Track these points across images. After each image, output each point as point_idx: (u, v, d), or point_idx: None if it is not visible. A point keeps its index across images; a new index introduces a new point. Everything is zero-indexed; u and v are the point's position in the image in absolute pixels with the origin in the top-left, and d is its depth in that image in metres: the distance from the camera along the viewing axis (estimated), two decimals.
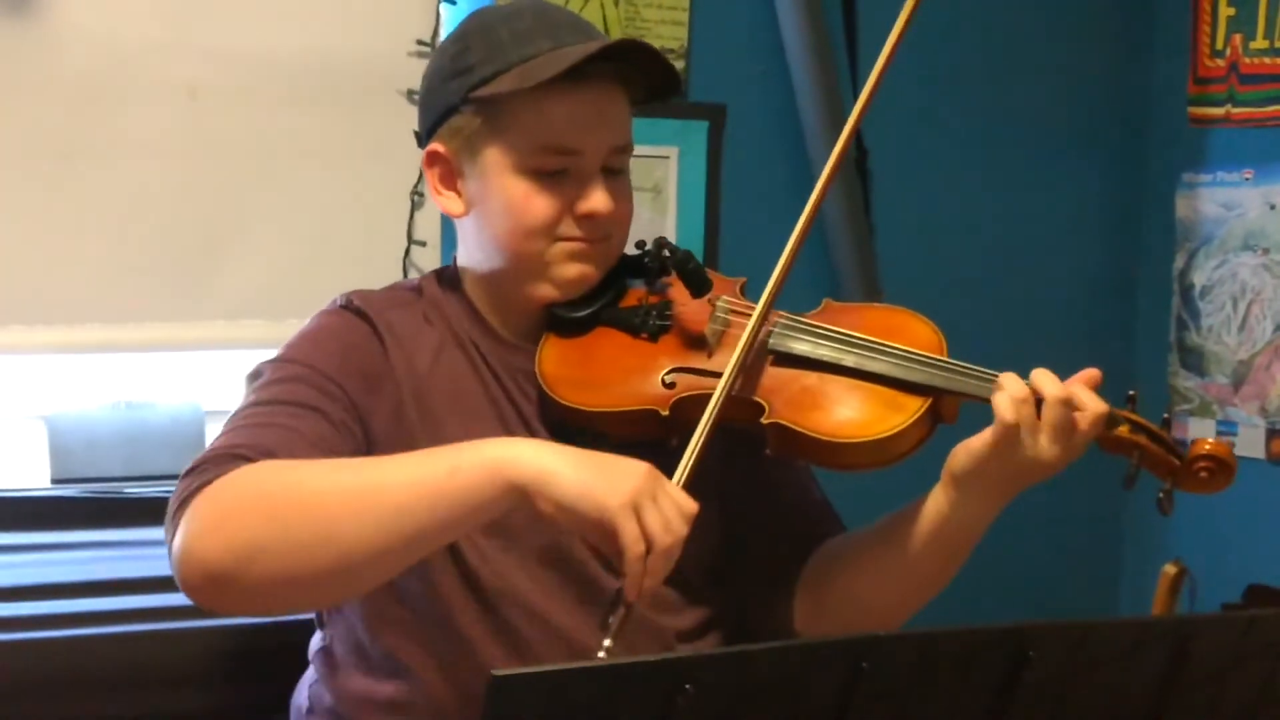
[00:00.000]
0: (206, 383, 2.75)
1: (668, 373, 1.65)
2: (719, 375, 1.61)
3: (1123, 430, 1.60)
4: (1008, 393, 1.55)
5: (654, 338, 1.69)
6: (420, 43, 2.81)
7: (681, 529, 1.43)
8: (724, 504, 1.73)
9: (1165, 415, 1.64)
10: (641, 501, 1.41)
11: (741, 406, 1.61)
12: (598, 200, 1.64)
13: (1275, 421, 3.32)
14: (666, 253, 1.69)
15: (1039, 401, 1.55)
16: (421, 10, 2.82)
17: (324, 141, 2.76)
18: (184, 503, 1.45)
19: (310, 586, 1.44)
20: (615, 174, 1.68)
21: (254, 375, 1.66)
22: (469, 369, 1.69)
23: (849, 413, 1.61)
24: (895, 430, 1.59)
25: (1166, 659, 1.30)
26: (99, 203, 2.61)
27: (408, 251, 2.83)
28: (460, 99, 1.64)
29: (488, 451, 1.43)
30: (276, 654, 1.91)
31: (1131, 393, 1.63)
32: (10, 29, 2.53)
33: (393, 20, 2.80)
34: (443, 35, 2.83)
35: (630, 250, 1.74)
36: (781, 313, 1.69)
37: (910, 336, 1.66)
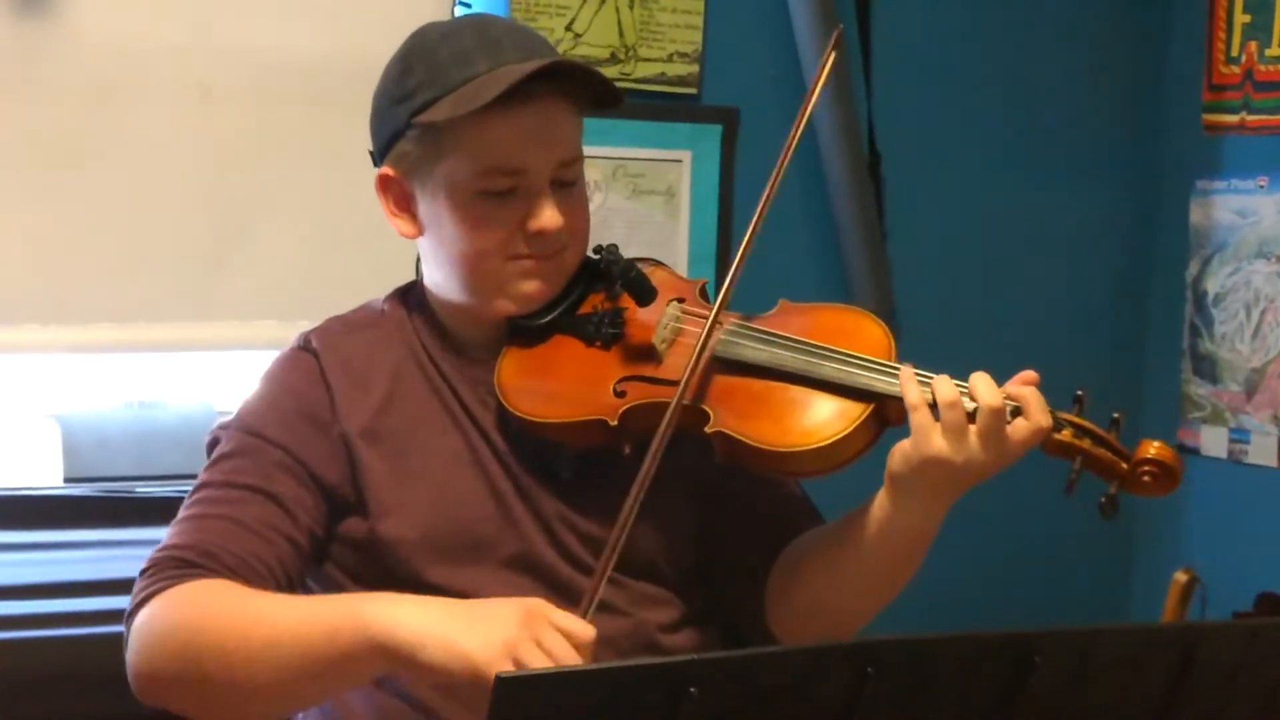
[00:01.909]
0: (218, 383, 2.76)
1: (619, 381, 1.64)
2: (668, 383, 1.60)
3: (1065, 434, 1.57)
4: (937, 393, 1.52)
5: (607, 346, 1.68)
6: (392, 59, 2.81)
7: (574, 661, 1.40)
8: (699, 499, 1.74)
9: (1115, 415, 1.60)
10: (519, 650, 1.39)
11: (688, 414, 1.59)
12: (547, 218, 1.63)
13: None
14: (612, 261, 1.68)
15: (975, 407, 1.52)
16: (435, 13, 2.81)
17: (336, 141, 2.76)
18: (134, 610, 1.57)
19: (233, 711, 1.55)
20: (567, 186, 1.67)
21: (211, 443, 1.71)
22: (428, 389, 1.70)
23: (792, 421, 1.59)
24: (838, 437, 1.56)
25: (1173, 666, 1.29)
26: (112, 202, 2.62)
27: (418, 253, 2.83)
28: (404, 124, 1.65)
29: (363, 615, 1.45)
30: None
31: (1079, 392, 1.60)
32: (24, 29, 2.53)
33: (406, 20, 2.78)
34: None
35: (591, 254, 1.74)
36: (733, 316, 1.67)
37: (860, 337, 1.63)
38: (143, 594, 1.56)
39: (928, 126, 3.37)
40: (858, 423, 1.56)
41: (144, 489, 2.48)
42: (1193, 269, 3.52)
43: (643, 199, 3.02)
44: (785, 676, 1.18)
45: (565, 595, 1.63)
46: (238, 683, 1.49)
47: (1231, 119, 3.42)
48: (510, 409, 1.64)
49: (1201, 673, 1.30)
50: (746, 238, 1.68)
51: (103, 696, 2.03)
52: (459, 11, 2.83)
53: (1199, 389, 3.50)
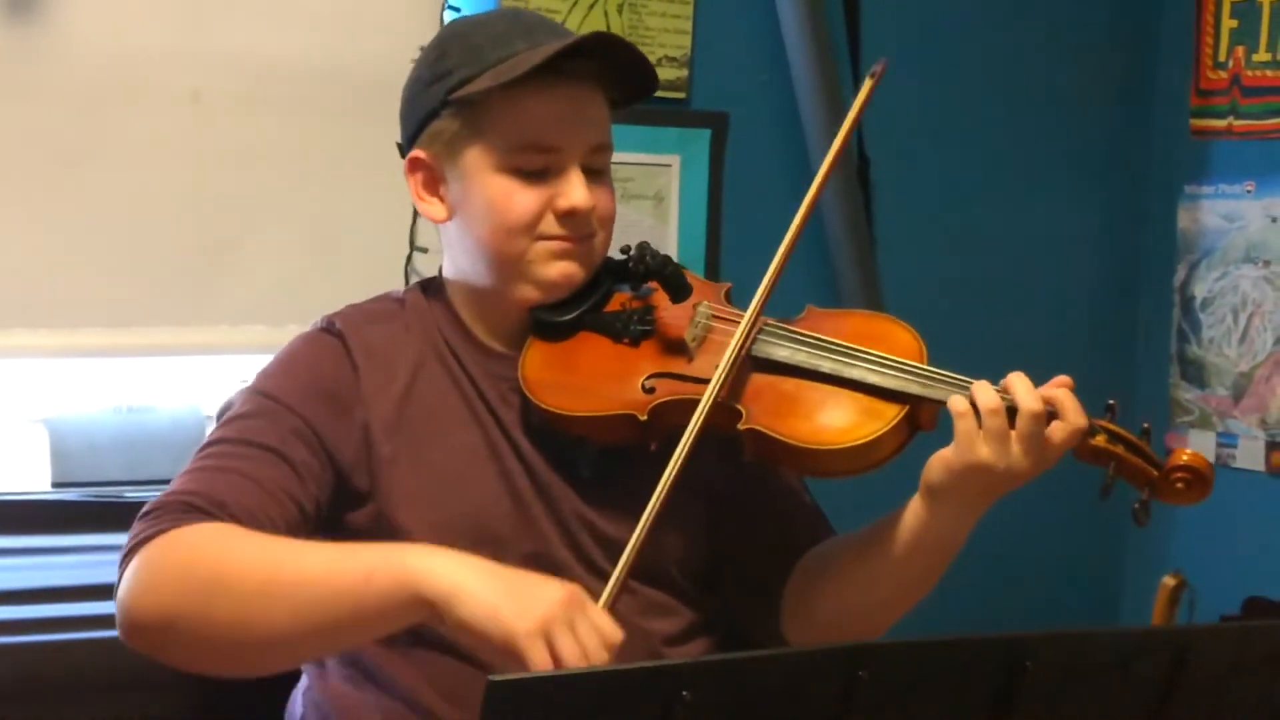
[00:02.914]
0: (208, 387, 2.75)
1: (648, 378, 1.66)
2: (698, 380, 1.61)
3: (1100, 440, 1.59)
4: (978, 400, 1.53)
5: (635, 343, 1.69)
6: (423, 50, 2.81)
7: (600, 658, 1.40)
8: (713, 509, 1.74)
9: (1144, 425, 1.62)
10: (554, 629, 1.39)
11: (720, 412, 1.61)
12: (577, 195, 1.64)
13: (1275, 434, 3.32)
14: (648, 258, 1.69)
15: (1012, 410, 1.53)
16: (425, 18, 2.82)
17: (327, 148, 2.77)
18: (132, 550, 1.51)
19: (224, 658, 1.50)
20: (596, 173, 1.68)
21: (226, 405, 1.70)
22: (449, 381, 1.70)
23: (825, 419, 1.60)
24: (871, 437, 1.58)
25: (1164, 670, 1.30)
26: (102, 207, 2.62)
27: (409, 258, 2.83)
28: (439, 103, 1.66)
29: (405, 560, 1.43)
30: None
31: (1111, 402, 1.63)
32: (15, 34, 2.53)
33: (396, 27, 2.80)
34: None
35: (616, 255, 1.75)
36: (764, 318, 1.69)
37: (891, 343, 1.65)
38: (146, 532, 1.51)
39: (917, 132, 3.37)
40: (892, 424, 1.58)
41: (133, 494, 2.47)
42: (1180, 274, 3.53)
43: (631, 203, 3.02)
44: (778, 680, 1.18)
45: None
46: (248, 625, 1.45)
47: (1219, 124, 3.43)
48: (536, 402, 1.65)
49: (1193, 676, 1.30)
50: (787, 241, 1.69)
51: (92, 702, 2.02)
52: (448, 16, 2.83)
53: (1187, 393, 3.51)
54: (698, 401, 1.59)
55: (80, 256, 2.62)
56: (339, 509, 1.65)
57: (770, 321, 1.68)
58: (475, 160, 1.65)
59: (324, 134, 2.76)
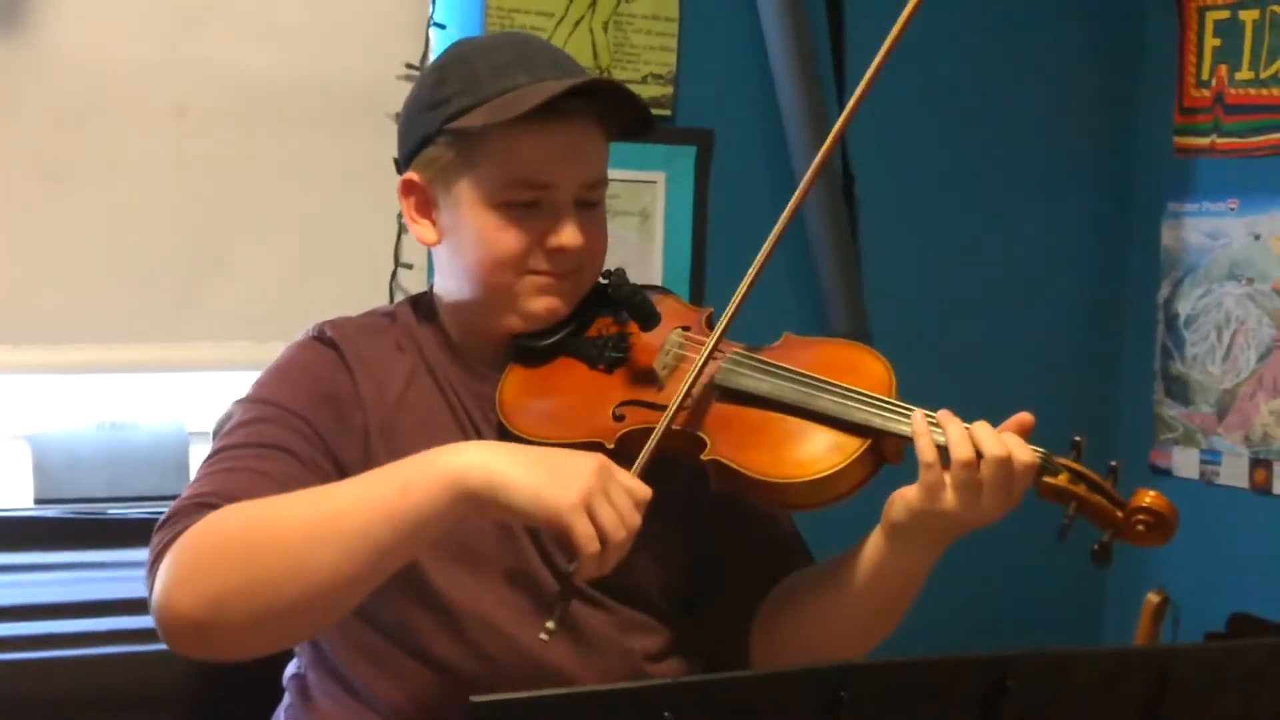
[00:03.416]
0: (191, 404, 2.75)
1: (619, 405, 1.65)
2: (665, 408, 1.60)
3: (1062, 479, 1.56)
4: (953, 452, 1.51)
5: (610, 369, 1.69)
6: (409, 66, 2.81)
7: (635, 520, 1.45)
8: (690, 533, 1.74)
9: (1112, 463, 1.60)
10: (594, 499, 1.43)
11: (685, 440, 1.60)
12: (568, 235, 1.64)
13: (1259, 451, 3.33)
14: (622, 285, 1.69)
15: (979, 457, 1.52)
16: (410, 34, 2.82)
17: (312, 163, 2.77)
18: (158, 557, 1.50)
19: (286, 621, 1.47)
20: (589, 207, 1.68)
21: (224, 418, 1.70)
22: (439, 397, 1.70)
23: (788, 452, 1.58)
24: (832, 470, 1.56)
25: (1146, 689, 1.30)
26: (85, 222, 2.62)
27: (394, 274, 2.83)
28: (435, 130, 1.65)
29: (438, 463, 1.45)
30: (253, 679, 1.90)
31: (1078, 439, 1.59)
32: None
33: (382, 43, 2.81)
34: (432, 59, 2.83)
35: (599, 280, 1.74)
36: (735, 346, 1.68)
37: (861, 373, 1.63)
38: (167, 538, 1.50)
39: (901, 149, 3.38)
40: (853, 457, 1.56)
41: (116, 510, 2.47)
42: (1164, 291, 3.54)
43: (617, 219, 3.02)
44: (760, 700, 1.18)
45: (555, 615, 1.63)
46: (302, 577, 1.43)
47: (1202, 142, 3.44)
48: (509, 427, 1.64)
49: (1176, 695, 1.30)
50: (753, 270, 1.68)
51: (72, 718, 2.02)
52: (434, 33, 2.83)
53: (1171, 410, 3.52)
54: (665, 429, 1.58)
55: (64, 272, 2.61)
56: None
57: (739, 350, 1.67)
58: (467, 191, 1.65)
59: (309, 149, 2.76)
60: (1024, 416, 1.57)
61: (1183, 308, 3.49)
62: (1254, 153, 3.33)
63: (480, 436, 1.68)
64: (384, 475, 1.47)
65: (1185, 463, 3.47)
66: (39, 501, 2.54)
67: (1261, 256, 3.32)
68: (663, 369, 1.67)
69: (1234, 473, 3.37)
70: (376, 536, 1.44)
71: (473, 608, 1.63)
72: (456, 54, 1.70)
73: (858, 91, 1.73)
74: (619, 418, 1.64)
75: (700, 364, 1.61)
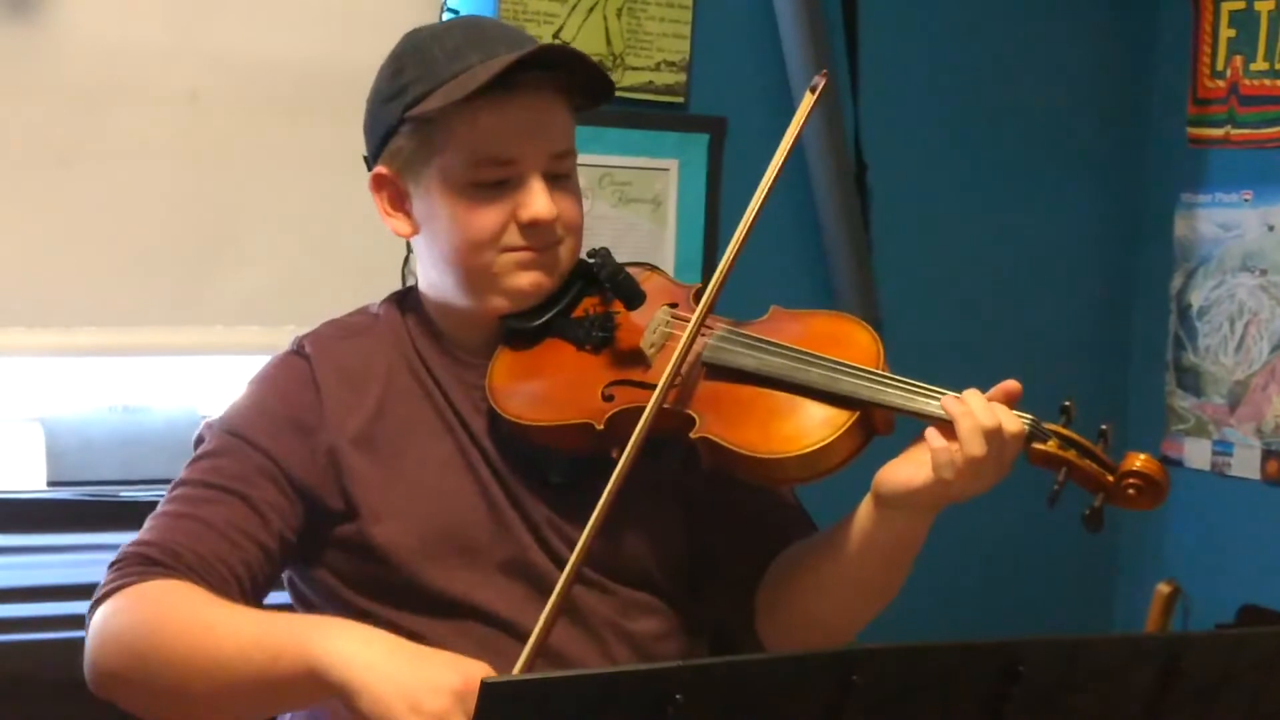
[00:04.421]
0: (203, 387, 2.75)
1: (608, 386, 1.63)
2: (653, 387, 1.59)
3: (1051, 445, 1.55)
4: (966, 444, 1.49)
5: (597, 350, 1.67)
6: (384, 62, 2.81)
7: None
8: (689, 510, 1.74)
9: (1102, 427, 1.59)
10: None
11: (673, 419, 1.59)
12: (539, 206, 1.62)
13: (1271, 442, 3.32)
14: (600, 263, 1.67)
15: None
16: (424, 19, 2.82)
17: (324, 148, 2.77)
18: (96, 603, 1.58)
19: (171, 714, 1.56)
20: (560, 179, 1.67)
21: (196, 441, 1.71)
22: (420, 393, 1.69)
23: (776, 427, 1.57)
24: (822, 444, 1.54)
25: (1157, 676, 1.30)
26: (99, 206, 2.62)
27: (406, 259, 2.83)
28: (397, 120, 1.65)
29: (311, 643, 1.45)
30: None
31: (1066, 403, 1.59)
32: (12, 32, 2.53)
33: (395, 28, 2.76)
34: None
35: (585, 258, 1.73)
36: (722, 321, 1.66)
37: (848, 344, 1.62)
38: (106, 589, 1.57)
39: (914, 138, 3.38)
40: (842, 430, 1.55)
41: (128, 493, 2.47)
42: (1177, 282, 3.53)
43: (629, 207, 3.03)
44: (770, 683, 1.18)
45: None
46: (183, 689, 1.50)
47: (1216, 133, 3.43)
48: (499, 411, 1.64)
49: (1186, 683, 1.30)
50: (733, 246, 1.67)
51: (83, 701, 2.02)
52: (446, 18, 2.83)
53: (1183, 401, 3.51)
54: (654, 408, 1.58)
55: (77, 256, 2.62)
56: (326, 528, 1.66)
57: (726, 325, 1.66)
58: (435, 177, 1.64)
59: (321, 134, 2.76)
60: (1010, 384, 1.56)
61: (1195, 299, 3.49)
62: (1268, 144, 3.32)
63: (467, 428, 1.68)
64: (270, 634, 1.48)
65: (1197, 454, 3.47)
66: (52, 484, 2.55)
67: (1275, 248, 3.32)
68: (650, 347, 1.66)
69: (1245, 464, 3.37)
70: (246, 687, 1.48)
71: (472, 600, 1.63)
72: (410, 43, 1.70)
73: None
74: (608, 398, 1.62)
75: (687, 341, 1.59)
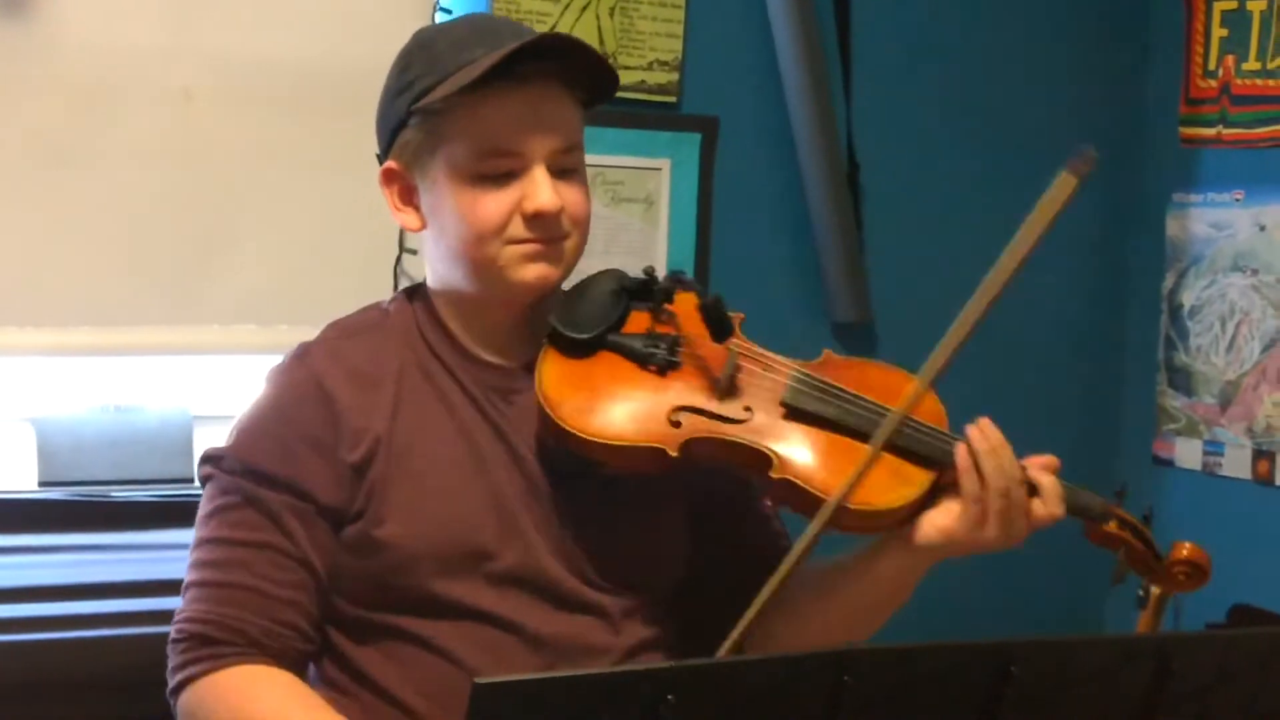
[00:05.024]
0: (196, 387, 2.75)
1: (676, 410, 1.62)
2: (731, 420, 1.60)
3: (1112, 526, 1.66)
4: (1009, 507, 1.61)
5: (662, 372, 1.65)
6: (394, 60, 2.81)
7: None
8: (695, 521, 1.74)
9: (1146, 512, 1.69)
10: None
11: (752, 455, 1.60)
12: (543, 197, 1.62)
13: (1262, 442, 3.33)
14: (690, 290, 1.67)
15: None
16: (417, 20, 2.81)
17: (318, 148, 2.76)
18: (178, 689, 1.64)
19: None
20: (567, 173, 1.66)
21: (205, 477, 1.69)
22: (431, 392, 1.69)
23: (859, 479, 1.59)
24: (903, 503, 1.60)
25: (1149, 677, 1.30)
26: (92, 205, 2.61)
27: (399, 259, 2.83)
28: (405, 113, 1.65)
29: None
30: None
31: (1120, 489, 1.70)
32: (7, 32, 2.53)
33: (389, 27, 2.79)
34: None
35: (637, 274, 1.71)
36: (791, 363, 1.67)
37: (920, 405, 1.65)
38: (183, 674, 1.62)
39: (906, 138, 3.38)
40: (923, 489, 1.61)
41: (120, 494, 2.47)
42: (1168, 281, 3.53)
43: (622, 206, 3.03)
44: (763, 684, 1.18)
45: (568, 607, 1.64)
46: None
47: (1208, 132, 3.44)
48: (559, 421, 1.60)
49: (1178, 683, 1.30)
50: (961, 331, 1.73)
51: (77, 700, 2.02)
52: (439, 16, 2.83)
53: (1174, 401, 3.52)
54: (730, 441, 1.59)
55: (69, 255, 2.61)
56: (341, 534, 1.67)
57: (800, 368, 1.67)
58: (441, 169, 1.65)
59: (315, 133, 2.76)
60: (1050, 459, 1.67)
61: (1187, 298, 3.49)
62: (1260, 144, 3.33)
63: (482, 429, 1.67)
64: None
65: (1188, 453, 3.47)
66: (44, 484, 2.54)
67: (1266, 248, 3.32)
68: (725, 379, 1.65)
69: (1237, 464, 3.37)
70: None
71: (479, 604, 1.63)
72: (418, 39, 1.70)
73: None
74: (675, 424, 1.61)
75: (769, 380, 1.63)
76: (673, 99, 3.07)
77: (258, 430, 1.67)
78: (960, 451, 1.60)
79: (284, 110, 2.73)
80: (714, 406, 1.63)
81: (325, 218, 2.78)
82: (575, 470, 1.65)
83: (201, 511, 1.68)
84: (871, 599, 1.69)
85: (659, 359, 1.65)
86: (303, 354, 1.70)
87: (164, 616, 2.02)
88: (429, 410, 1.67)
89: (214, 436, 1.70)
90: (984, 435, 1.62)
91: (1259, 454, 3.33)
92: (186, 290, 2.69)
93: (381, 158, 1.72)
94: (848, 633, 1.71)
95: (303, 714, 1.57)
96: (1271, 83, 3.30)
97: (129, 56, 2.62)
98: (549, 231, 1.65)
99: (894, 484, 1.59)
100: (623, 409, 1.63)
